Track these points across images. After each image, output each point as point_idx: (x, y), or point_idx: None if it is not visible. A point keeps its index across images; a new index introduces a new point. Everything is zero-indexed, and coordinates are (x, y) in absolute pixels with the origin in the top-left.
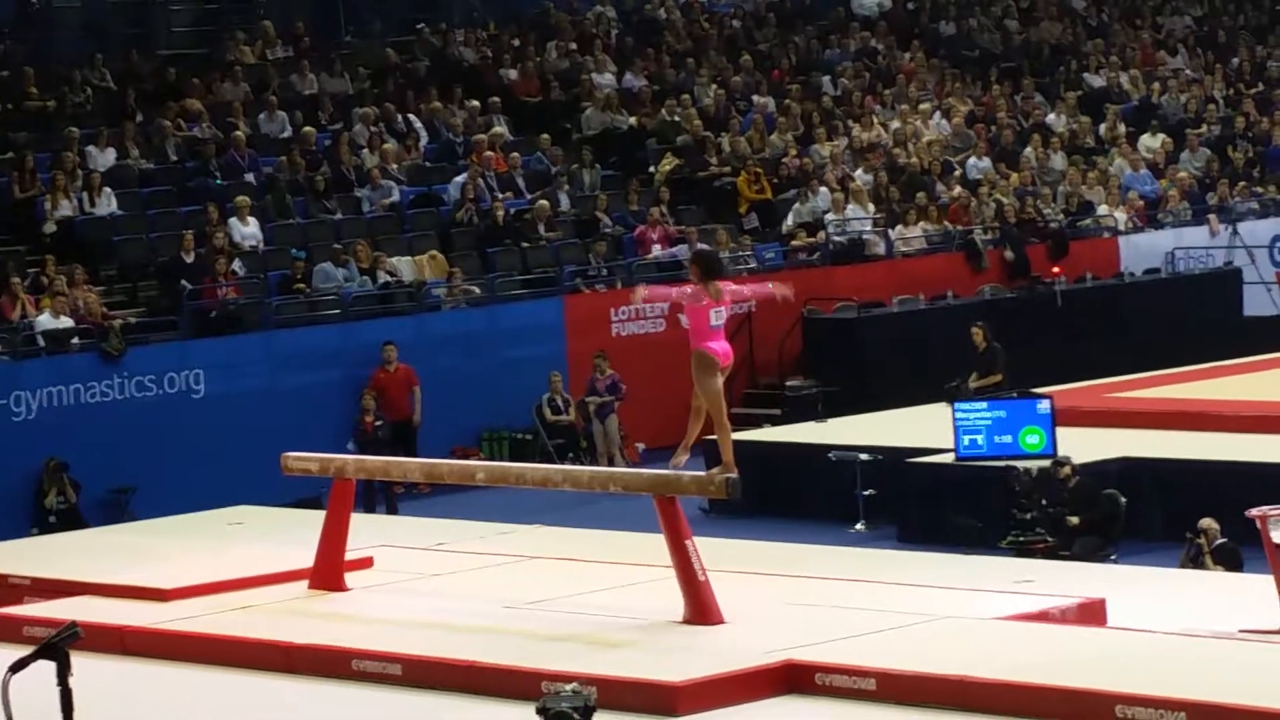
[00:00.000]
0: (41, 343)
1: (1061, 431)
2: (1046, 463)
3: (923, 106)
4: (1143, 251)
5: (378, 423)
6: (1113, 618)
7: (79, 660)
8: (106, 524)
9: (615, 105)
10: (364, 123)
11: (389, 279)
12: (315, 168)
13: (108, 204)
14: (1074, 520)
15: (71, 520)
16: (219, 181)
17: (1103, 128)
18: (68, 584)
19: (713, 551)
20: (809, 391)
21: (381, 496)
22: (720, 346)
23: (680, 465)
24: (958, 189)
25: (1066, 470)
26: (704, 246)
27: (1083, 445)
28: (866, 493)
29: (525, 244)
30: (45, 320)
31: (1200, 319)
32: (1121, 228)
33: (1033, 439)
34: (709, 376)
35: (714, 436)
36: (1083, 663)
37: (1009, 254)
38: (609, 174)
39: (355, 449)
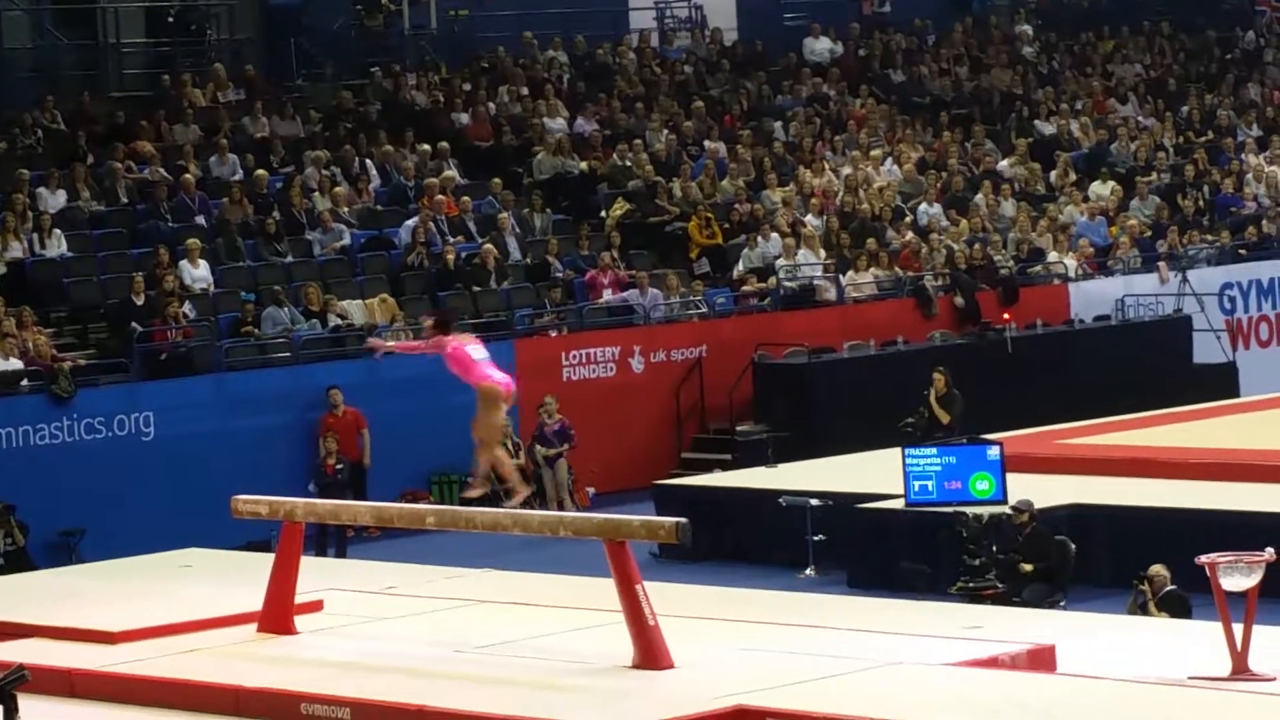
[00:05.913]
0: None
1: (1011, 478)
2: (1002, 508)
3: (874, 153)
4: (1093, 298)
5: (339, 465)
6: (1062, 664)
7: (27, 703)
8: (55, 566)
9: (566, 150)
10: (315, 166)
11: (340, 322)
12: (266, 211)
13: (58, 246)
14: (1027, 567)
15: (20, 562)
16: (170, 224)
17: (1053, 175)
18: (15, 626)
19: (663, 596)
20: (759, 436)
21: (332, 540)
22: (500, 376)
23: (474, 497)
24: (908, 235)
25: (1025, 517)
26: (441, 309)
27: (1033, 491)
28: (817, 538)
29: (476, 288)
30: None
31: (1150, 366)
32: (1072, 274)
33: (983, 485)
34: (494, 410)
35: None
36: (1032, 709)
37: (959, 300)
38: (560, 218)
39: (316, 491)
